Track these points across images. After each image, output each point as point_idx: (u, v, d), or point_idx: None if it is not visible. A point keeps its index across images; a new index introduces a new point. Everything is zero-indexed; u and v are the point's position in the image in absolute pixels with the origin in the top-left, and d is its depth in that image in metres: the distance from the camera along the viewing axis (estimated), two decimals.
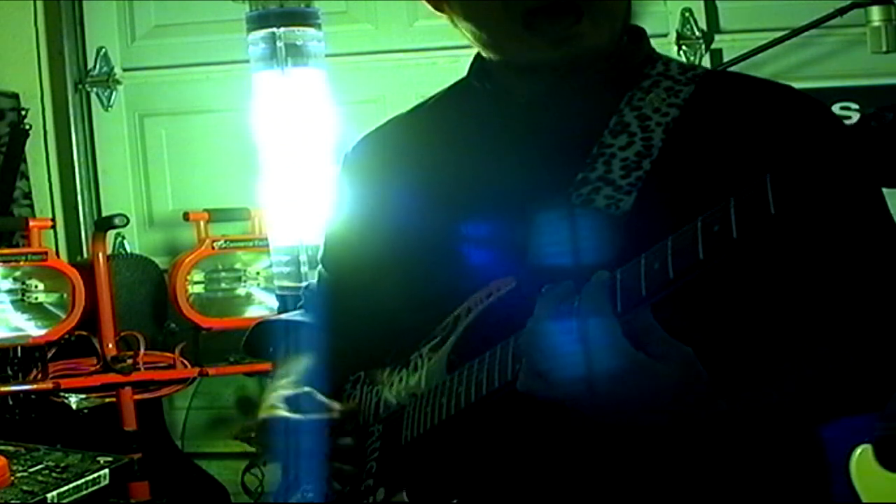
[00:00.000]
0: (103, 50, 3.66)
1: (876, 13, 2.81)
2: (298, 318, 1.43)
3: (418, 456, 1.17)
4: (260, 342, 1.44)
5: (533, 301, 1.07)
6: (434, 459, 1.16)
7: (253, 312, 3.14)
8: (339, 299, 1.35)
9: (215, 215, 3.28)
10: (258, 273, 3.20)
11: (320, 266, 1.43)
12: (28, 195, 3.59)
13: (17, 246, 3.23)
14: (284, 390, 1.27)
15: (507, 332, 1.08)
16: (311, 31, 3.02)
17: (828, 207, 0.86)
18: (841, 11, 2.80)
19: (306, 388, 1.25)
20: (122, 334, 3.16)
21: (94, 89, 3.67)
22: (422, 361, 1.20)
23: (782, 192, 0.86)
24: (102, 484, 2.35)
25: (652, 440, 1.09)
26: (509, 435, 1.12)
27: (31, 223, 3.15)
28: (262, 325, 1.44)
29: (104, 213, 3.57)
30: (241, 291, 3.19)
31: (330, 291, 1.38)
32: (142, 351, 3.12)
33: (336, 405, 1.25)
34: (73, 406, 3.05)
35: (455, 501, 1.13)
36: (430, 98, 1.37)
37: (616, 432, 1.09)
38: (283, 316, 1.46)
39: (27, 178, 3.59)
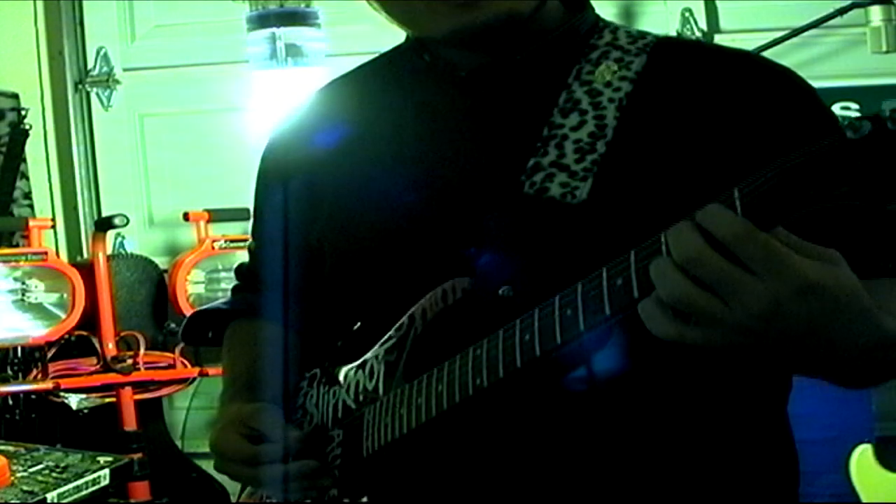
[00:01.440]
0: (103, 50, 3.66)
1: (876, 13, 2.81)
2: (237, 305, 1.39)
3: (380, 469, 1.13)
4: (196, 330, 1.42)
5: (488, 303, 1.04)
6: (397, 473, 1.13)
7: None
8: (279, 283, 1.28)
9: (215, 215, 3.28)
10: None
11: (252, 243, 1.38)
12: (28, 195, 3.59)
13: (17, 246, 3.23)
14: (239, 403, 1.23)
15: (464, 338, 1.04)
16: (311, 31, 3.03)
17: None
18: (841, 11, 2.80)
19: (263, 405, 1.21)
20: (122, 334, 3.15)
21: (94, 89, 3.67)
22: (378, 364, 1.15)
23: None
24: (102, 484, 2.35)
25: (630, 439, 1.07)
26: (473, 448, 1.09)
27: (31, 223, 3.15)
28: (199, 314, 1.43)
29: (104, 213, 3.57)
30: None
31: (270, 274, 1.30)
32: (142, 351, 3.12)
33: (292, 427, 1.20)
34: (73, 406, 3.05)
35: None
36: (362, 67, 1.31)
37: (588, 442, 1.07)
38: (220, 303, 1.43)
39: (27, 178, 3.59)
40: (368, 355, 1.17)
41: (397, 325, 1.13)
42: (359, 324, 1.22)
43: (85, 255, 3.56)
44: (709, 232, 0.81)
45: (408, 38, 1.24)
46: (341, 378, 1.20)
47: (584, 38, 1.16)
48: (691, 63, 1.13)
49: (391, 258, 1.16)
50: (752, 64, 1.14)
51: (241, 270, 1.43)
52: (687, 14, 3.29)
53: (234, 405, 1.24)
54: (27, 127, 3.48)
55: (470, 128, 1.15)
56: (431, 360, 1.08)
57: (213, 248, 3.21)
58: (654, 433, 1.08)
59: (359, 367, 1.18)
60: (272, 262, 1.29)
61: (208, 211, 3.27)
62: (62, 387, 3.03)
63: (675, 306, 0.83)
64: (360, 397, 1.17)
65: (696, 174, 1.02)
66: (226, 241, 3.22)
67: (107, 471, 2.36)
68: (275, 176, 1.33)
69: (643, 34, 1.17)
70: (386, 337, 1.14)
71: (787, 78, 1.13)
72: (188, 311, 3.14)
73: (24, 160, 3.54)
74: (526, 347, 0.97)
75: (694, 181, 0.92)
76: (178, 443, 3.47)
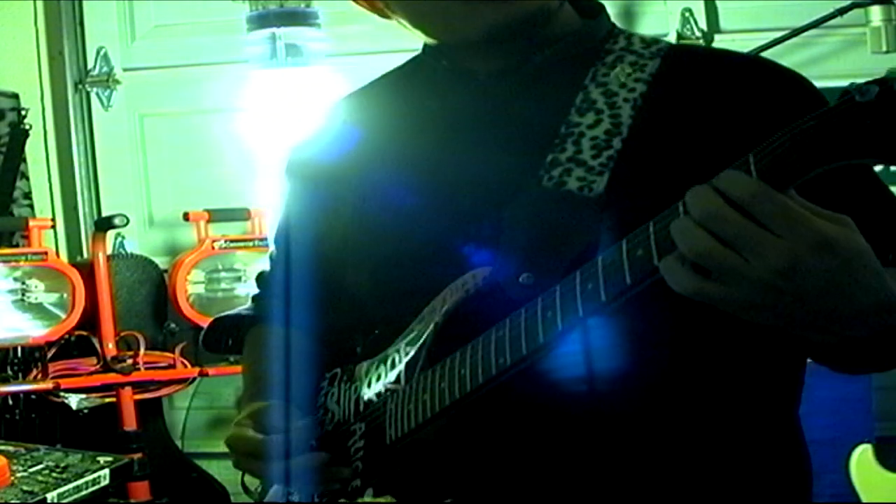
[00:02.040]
0: (103, 50, 3.66)
1: (876, 13, 2.81)
2: (257, 311, 1.41)
3: (405, 455, 1.15)
4: (216, 337, 1.44)
5: (509, 290, 1.07)
6: (422, 458, 1.14)
7: None
8: (300, 288, 1.31)
9: (215, 215, 3.28)
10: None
11: (273, 251, 1.40)
12: (28, 195, 3.59)
13: (17, 246, 3.23)
14: (254, 402, 1.25)
15: (484, 325, 1.06)
16: (311, 31, 3.02)
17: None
18: (841, 11, 2.80)
19: (277, 402, 1.23)
20: (122, 334, 3.15)
21: (94, 89, 3.67)
22: (399, 357, 1.17)
23: None
24: (102, 484, 2.35)
25: (643, 437, 1.09)
26: (497, 431, 1.11)
27: (31, 223, 3.15)
28: (219, 321, 1.44)
29: (104, 213, 3.56)
30: (241, 291, 3.18)
31: (290, 280, 1.33)
32: (142, 351, 3.12)
33: (305, 424, 1.22)
34: (73, 406, 3.05)
35: (449, 501, 1.11)
36: (383, 76, 1.34)
37: (604, 426, 1.09)
38: (240, 310, 1.45)
39: (27, 178, 3.59)
40: (389, 350, 1.19)
41: (418, 318, 1.15)
42: (380, 323, 1.24)
43: (85, 255, 3.56)
44: (725, 194, 0.84)
45: (424, 47, 1.26)
46: (362, 373, 1.23)
47: (599, 42, 1.20)
48: (703, 66, 1.17)
49: (413, 256, 1.18)
50: (762, 68, 1.17)
51: (261, 278, 1.44)
52: (687, 14, 3.29)
53: (251, 405, 1.26)
54: (27, 127, 3.48)
55: (489, 128, 1.18)
56: (453, 348, 1.10)
57: (213, 248, 3.21)
58: (667, 433, 1.10)
59: (379, 361, 1.20)
60: (295, 269, 1.31)
61: (208, 211, 3.27)
62: (62, 387, 3.03)
63: (696, 261, 0.85)
64: (382, 390, 1.19)
65: (708, 170, 1.05)
66: (226, 241, 3.22)
67: (107, 471, 2.36)
68: (298, 186, 1.35)
69: (657, 40, 1.21)
70: (407, 330, 1.17)
71: (797, 82, 1.16)
72: (188, 312, 3.16)
73: (24, 160, 3.54)
74: (548, 323, 0.99)
75: (705, 177, 0.94)
76: (178, 443, 3.47)
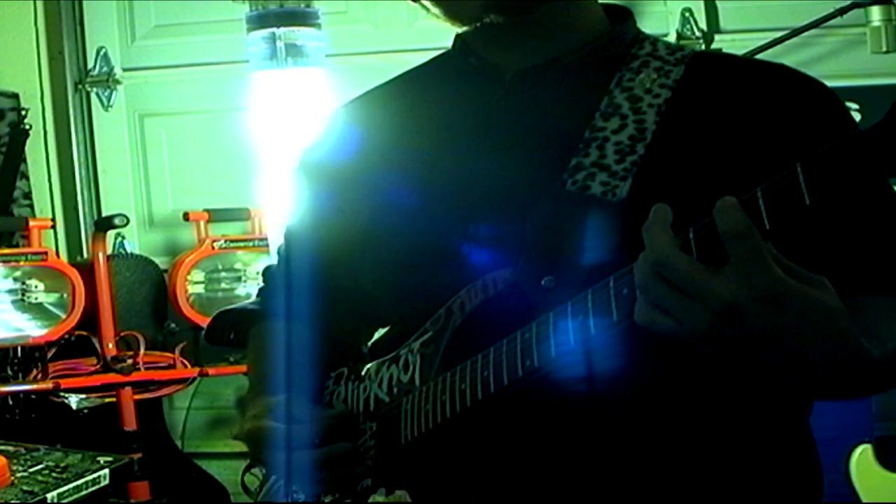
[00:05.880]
0: (103, 50, 3.66)
1: (876, 13, 2.81)
2: (264, 306, 1.40)
3: (422, 455, 1.15)
4: (220, 330, 1.44)
5: (530, 294, 1.07)
6: (440, 458, 1.14)
7: None
8: (309, 286, 1.31)
9: (215, 215, 3.28)
10: (258, 273, 3.18)
11: (283, 247, 1.39)
12: (28, 195, 3.59)
13: (17, 246, 3.24)
14: (269, 396, 1.25)
15: (506, 327, 1.06)
16: (311, 31, 3.02)
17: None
18: (841, 11, 2.80)
19: (295, 395, 1.22)
20: (122, 334, 3.16)
21: (94, 89, 3.67)
22: (413, 357, 1.17)
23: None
24: (102, 484, 2.35)
25: (658, 438, 1.09)
26: (518, 433, 1.10)
27: (31, 223, 3.15)
28: (223, 314, 1.44)
29: (104, 213, 3.57)
30: (241, 291, 3.19)
31: (299, 276, 1.32)
32: (142, 351, 3.12)
33: (327, 411, 1.23)
34: (73, 406, 3.05)
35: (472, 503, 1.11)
36: (409, 72, 1.33)
37: (622, 430, 1.09)
38: (246, 304, 1.45)
39: (27, 178, 3.59)
40: (401, 350, 1.19)
41: (433, 318, 1.15)
42: (394, 323, 1.25)
43: (85, 255, 3.56)
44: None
45: (455, 42, 1.26)
46: (372, 373, 1.23)
47: (626, 47, 1.20)
48: (727, 73, 1.17)
49: (431, 256, 1.17)
50: (785, 75, 1.17)
51: (268, 272, 1.44)
52: (687, 14, 3.29)
53: (265, 398, 1.25)
54: (27, 127, 3.48)
55: (513, 129, 1.18)
56: (471, 350, 1.10)
57: (212, 248, 3.21)
58: (680, 439, 1.10)
59: (391, 361, 1.21)
60: (306, 266, 1.31)
61: (208, 211, 3.27)
62: (62, 387, 3.03)
63: (650, 300, 0.89)
64: (395, 390, 1.19)
65: (730, 177, 1.06)
66: (226, 241, 3.22)
67: (107, 471, 2.36)
68: (313, 185, 1.34)
69: (680, 47, 1.22)
70: (421, 331, 1.17)
71: (820, 89, 1.16)
72: (188, 312, 3.16)
73: (24, 160, 3.55)
74: (580, 327, 0.99)
75: (728, 184, 0.94)
76: (178, 443, 3.48)
